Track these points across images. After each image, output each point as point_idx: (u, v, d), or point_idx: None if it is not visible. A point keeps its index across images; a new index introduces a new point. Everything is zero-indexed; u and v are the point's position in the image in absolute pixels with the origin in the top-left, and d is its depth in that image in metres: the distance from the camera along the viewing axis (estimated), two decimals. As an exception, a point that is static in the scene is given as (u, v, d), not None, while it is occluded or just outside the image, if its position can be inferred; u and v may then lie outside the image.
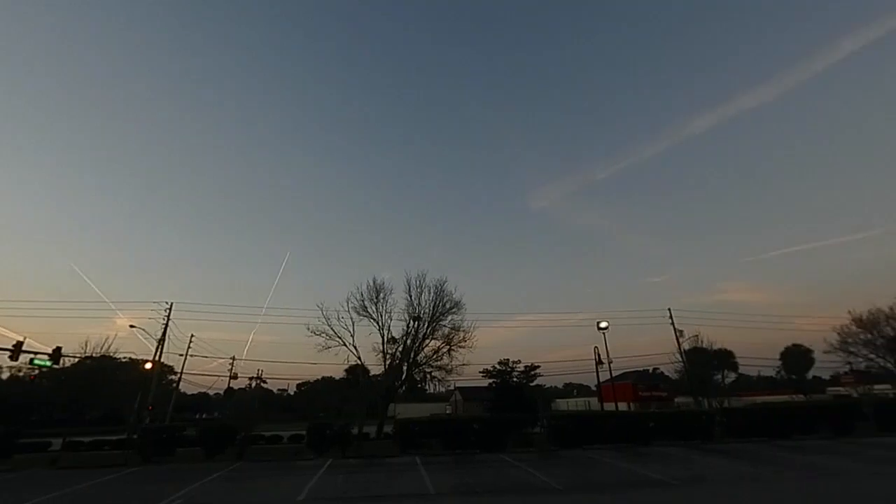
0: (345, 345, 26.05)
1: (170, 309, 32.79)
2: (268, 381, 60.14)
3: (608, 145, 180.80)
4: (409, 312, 26.75)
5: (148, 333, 32.42)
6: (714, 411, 20.48)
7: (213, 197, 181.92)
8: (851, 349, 37.11)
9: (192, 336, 38.06)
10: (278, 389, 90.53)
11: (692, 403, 39.68)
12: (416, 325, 26.50)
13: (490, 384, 39.80)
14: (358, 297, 26.91)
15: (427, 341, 26.83)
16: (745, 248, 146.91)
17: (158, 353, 31.76)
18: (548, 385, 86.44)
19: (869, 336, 35.77)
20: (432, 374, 27.81)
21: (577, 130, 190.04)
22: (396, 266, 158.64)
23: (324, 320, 26.35)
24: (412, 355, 26.63)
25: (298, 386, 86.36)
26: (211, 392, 71.47)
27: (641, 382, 53.97)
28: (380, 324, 26.58)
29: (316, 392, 78.32)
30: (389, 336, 26.83)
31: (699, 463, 13.20)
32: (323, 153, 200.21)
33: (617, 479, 10.87)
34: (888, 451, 14.28)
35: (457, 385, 53.77)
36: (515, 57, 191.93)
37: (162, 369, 37.82)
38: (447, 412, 55.02)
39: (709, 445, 17.25)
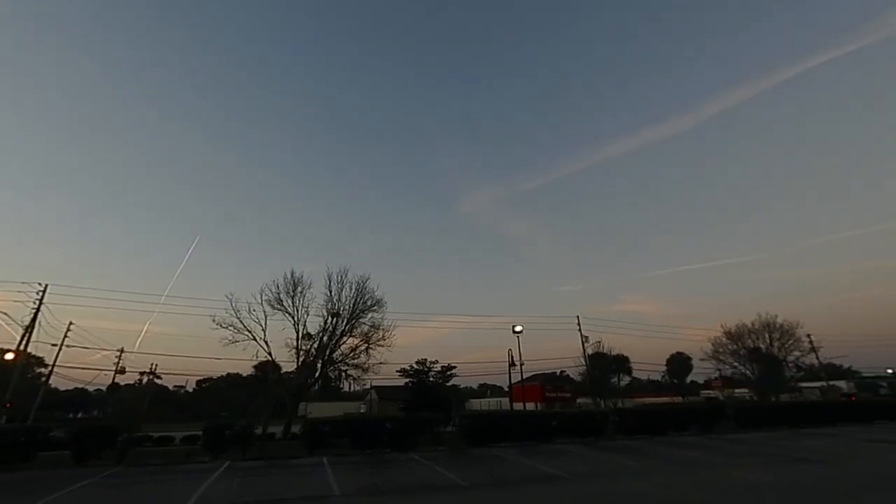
0: (255, 339, 24.49)
1: (43, 291, 28.31)
2: (163, 376, 54.42)
3: (534, 158, 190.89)
4: (327, 308, 25.89)
5: (12, 319, 27.67)
6: (608, 411, 22.44)
7: (104, 170, 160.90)
8: (721, 357, 42.90)
9: (70, 324, 33.18)
10: (174, 386, 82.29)
11: (591, 404, 43.17)
12: (334, 322, 25.72)
13: (406, 384, 39.84)
14: (273, 290, 25.47)
15: (345, 339, 26.19)
16: (646, 264, 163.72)
17: (25, 342, 27.25)
18: (463, 385, 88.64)
19: (735, 347, 41.59)
20: (348, 372, 27.17)
21: (507, 141, 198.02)
22: (317, 261, 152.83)
23: (233, 312, 24.53)
24: (328, 352, 25.79)
25: (199, 383, 79.20)
26: (91, 388, 62.76)
27: (549, 384, 57.49)
28: (295, 319, 25.39)
29: (219, 390, 72.40)
30: (305, 332, 25.74)
31: (591, 458, 14.35)
32: (243, 140, 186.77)
33: (518, 475, 11.43)
34: (743, 446, 16.71)
35: (373, 384, 53.01)
36: (454, 65, 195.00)
37: (28, 360, 32.53)
38: (361, 411, 54.02)
39: (602, 442, 18.83)
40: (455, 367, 41.50)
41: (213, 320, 24.43)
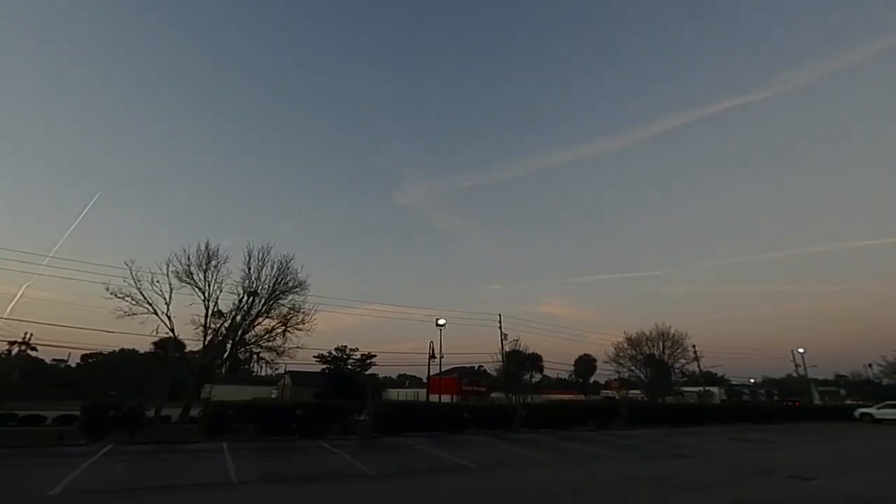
0: (156, 313, 22.33)
1: None
2: (39, 348, 47.71)
3: (476, 158, 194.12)
4: (244, 286, 24.31)
5: None
6: (517, 405, 23.69)
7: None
8: (621, 361, 47.19)
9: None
10: (53, 360, 72.48)
11: (504, 398, 45.26)
12: (250, 301, 24.24)
13: (323, 370, 38.79)
14: (183, 261, 23.35)
15: (261, 319, 24.80)
16: (565, 271, 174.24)
17: None
18: (383, 375, 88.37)
19: (634, 352, 45.91)
20: (261, 354, 25.80)
21: (450, 139, 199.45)
22: (237, 235, 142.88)
23: (132, 282, 22.14)
24: (240, 333, 24.27)
25: (84, 357, 70.52)
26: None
27: (466, 378, 59.27)
28: (206, 294, 23.54)
29: (110, 366, 65.10)
30: (216, 309, 23.98)
31: (498, 450, 15.07)
32: (164, 94, 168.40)
33: (426, 465, 11.68)
34: (631, 441, 18.55)
35: (288, 369, 50.94)
36: (406, 60, 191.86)
37: None
38: (272, 396, 51.74)
39: (509, 435, 19.83)
40: (375, 356, 41.29)
41: (107, 289, 21.86)
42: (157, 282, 22.48)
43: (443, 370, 42.88)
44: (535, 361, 55.75)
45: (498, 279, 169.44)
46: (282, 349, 25.66)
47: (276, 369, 31.03)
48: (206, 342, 23.67)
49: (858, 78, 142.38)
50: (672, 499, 8.42)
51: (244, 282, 24.36)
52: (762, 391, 77.28)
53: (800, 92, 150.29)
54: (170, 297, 22.55)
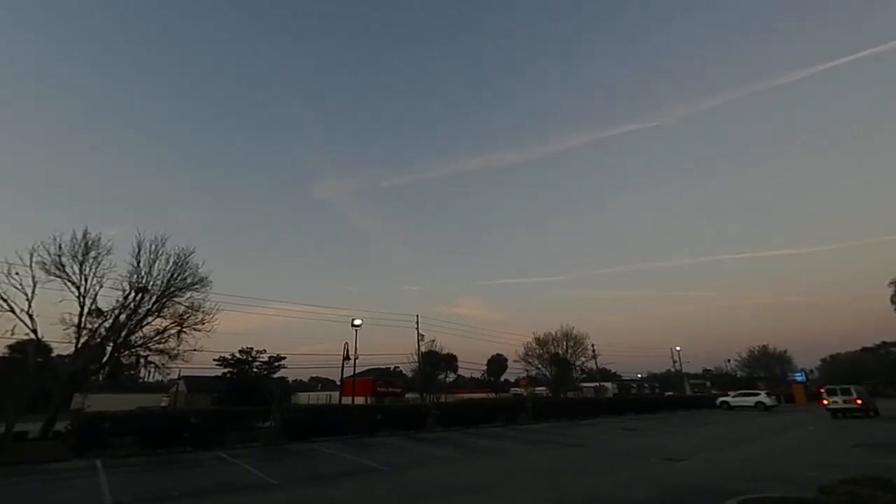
0: (12, 311, 18.89)
1: None
2: None
3: (396, 159, 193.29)
4: (131, 281, 21.52)
5: None
6: (430, 405, 24.02)
7: None
8: (530, 360, 50.00)
9: None
10: None
11: (419, 398, 45.54)
12: (138, 298, 21.53)
13: (225, 374, 35.72)
14: (53, 251, 20.04)
15: (151, 319, 22.12)
16: (480, 273, 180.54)
17: None
18: (294, 378, 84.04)
19: (541, 351, 48.93)
20: (149, 358, 23.03)
21: (372, 136, 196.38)
22: (126, 223, 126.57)
23: (-21, 273, 18.48)
24: (124, 334, 21.47)
25: None
26: None
27: (382, 379, 58.63)
28: (82, 290, 20.43)
29: (-59, 374, 53.54)
30: (94, 307, 20.93)
31: (410, 450, 15.14)
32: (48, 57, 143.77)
33: (336, 469, 11.35)
34: (533, 435, 19.77)
35: (183, 374, 46.15)
36: (331, 53, 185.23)
37: None
38: (162, 405, 46.52)
39: (421, 434, 20.02)
40: (285, 358, 38.91)
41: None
42: (17, 274, 19.03)
43: (358, 372, 41.98)
44: (450, 361, 57.00)
45: (415, 280, 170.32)
46: (175, 352, 23.10)
47: (168, 374, 27.82)
48: (80, 344, 20.52)
49: (734, 112, 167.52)
50: (566, 484, 9.15)
51: (132, 276, 21.52)
52: (647, 385, 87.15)
53: (684, 121, 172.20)
54: (32, 293, 19.21)
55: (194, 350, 23.36)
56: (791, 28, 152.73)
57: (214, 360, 35.45)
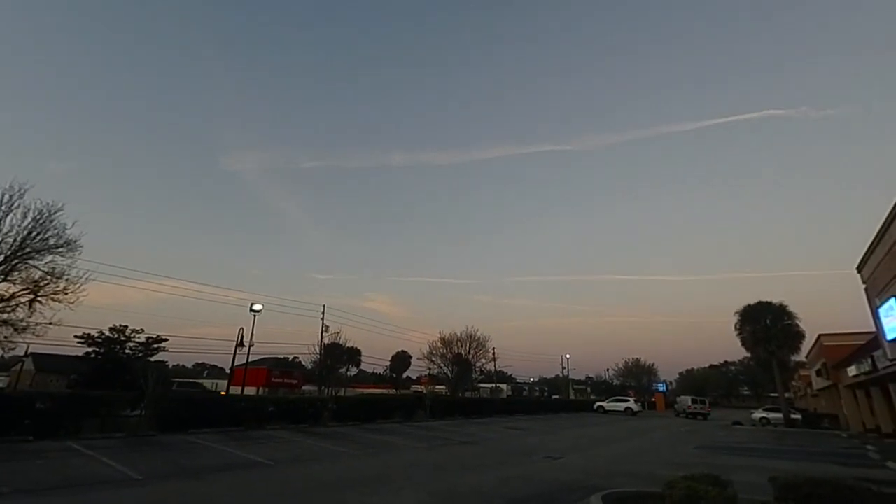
0: None
1: None
2: None
3: (319, 140, 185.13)
4: (-30, 235, 17.76)
5: None
6: (327, 399, 23.30)
7: None
8: (433, 359, 50.84)
9: None
10: None
11: (317, 391, 43.87)
12: (-22, 256, 17.83)
13: (88, 354, 30.97)
14: None
15: (-6, 283, 18.44)
16: (392, 269, 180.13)
17: None
18: (177, 363, 75.86)
19: (444, 351, 50.04)
20: (-14, 329, 19.18)
21: (296, 110, 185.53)
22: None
23: None
24: (-47, 297, 17.64)
25: None
26: None
27: (278, 369, 55.47)
28: None
29: None
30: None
31: (300, 445, 14.52)
32: None
33: (214, 464, 10.47)
34: (428, 432, 20.13)
35: (32, 350, 39.12)
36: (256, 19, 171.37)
37: None
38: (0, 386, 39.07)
39: (315, 429, 19.31)
40: (166, 340, 34.69)
41: None
42: None
43: (252, 360, 39.15)
44: (353, 355, 55.76)
45: (327, 269, 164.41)
46: (24, 324, 19.49)
47: (13, 350, 23.28)
48: None
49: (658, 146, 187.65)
50: (453, 479, 9.46)
51: (-28, 229, 17.74)
52: (537, 388, 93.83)
53: (597, 149, 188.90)
54: None
55: (50, 324, 19.96)
56: (684, 89, 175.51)
57: (76, 337, 30.50)
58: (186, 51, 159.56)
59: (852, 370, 26.14)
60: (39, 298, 19.29)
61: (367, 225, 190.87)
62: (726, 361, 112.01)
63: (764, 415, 37.74)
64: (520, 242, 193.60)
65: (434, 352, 50.23)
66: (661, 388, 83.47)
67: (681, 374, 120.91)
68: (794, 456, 16.06)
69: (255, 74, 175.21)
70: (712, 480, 5.58)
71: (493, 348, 54.95)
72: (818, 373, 38.64)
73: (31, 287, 19.19)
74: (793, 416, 35.96)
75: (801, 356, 42.87)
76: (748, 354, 42.00)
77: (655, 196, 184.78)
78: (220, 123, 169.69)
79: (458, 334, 49.91)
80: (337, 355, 48.26)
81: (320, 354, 43.55)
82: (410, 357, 73.28)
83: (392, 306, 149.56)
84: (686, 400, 49.11)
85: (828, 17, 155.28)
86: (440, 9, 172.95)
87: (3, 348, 21.46)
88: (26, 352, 39.59)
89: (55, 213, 19.35)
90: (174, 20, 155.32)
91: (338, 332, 46.11)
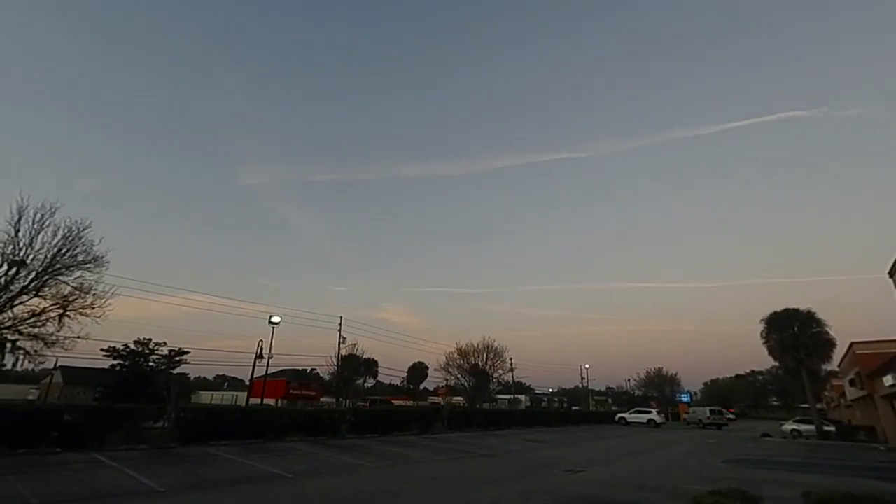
0: None
1: None
2: None
3: (334, 154, 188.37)
4: (4, 252, 18.53)
5: None
6: (345, 410, 23.33)
7: None
8: (450, 370, 50.53)
9: None
10: None
11: (334, 403, 43.99)
12: (13, 273, 18.57)
13: (114, 367, 31.78)
14: None
15: (26, 298, 19.15)
16: (408, 279, 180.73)
17: None
18: (198, 375, 77.14)
19: (461, 362, 49.72)
20: (18, 343, 19.88)
21: (311, 126, 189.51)
22: (7, 184, 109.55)
23: None
24: (-12, 313, 18.35)
25: None
26: None
27: (296, 380, 55.89)
28: (-64, 256, 17.18)
29: None
30: (-50, 278, 17.69)
31: (319, 457, 14.54)
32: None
33: (234, 476, 10.55)
34: (446, 444, 19.95)
35: (61, 363, 40.30)
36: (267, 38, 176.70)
37: None
38: (30, 398, 40.36)
39: (333, 441, 19.33)
40: (188, 353, 35.39)
41: None
42: None
43: (271, 372, 39.56)
44: (370, 366, 55.82)
45: (342, 281, 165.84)
46: (54, 338, 20.14)
47: (42, 363, 24.08)
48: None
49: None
50: (471, 493, 9.33)
51: (6, 247, 18.50)
52: (556, 399, 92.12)
53: (611, 155, 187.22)
54: None
55: (78, 338, 20.59)
56: (702, 90, 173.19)
57: (103, 350, 31.36)
58: (204, 70, 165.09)
59: (888, 380, 24.97)
60: (68, 313, 19.94)
61: (381, 236, 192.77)
62: (753, 371, 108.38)
63: (795, 426, 36.24)
64: (535, 251, 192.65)
65: (451, 363, 49.95)
66: (686, 398, 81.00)
67: (705, 384, 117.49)
68: (827, 470, 15.35)
69: (269, 90, 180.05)
70: (740, 496, 5.38)
71: (511, 359, 54.36)
72: (851, 382, 36.97)
73: (60, 302, 19.86)
74: (825, 427, 34.45)
75: (833, 365, 41.15)
76: (776, 363, 40.62)
77: (674, 202, 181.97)
78: (236, 139, 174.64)
79: (475, 345, 49.58)
80: (354, 366, 48.37)
81: (338, 366, 43.72)
82: (427, 368, 73.00)
83: (407, 317, 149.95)
84: (704, 411, 49.33)
85: (849, 13, 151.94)
86: (449, 27, 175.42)
87: (33, 362, 22.20)
88: (55, 365, 40.77)
89: (83, 230, 20.11)
90: (193, 41, 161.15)
91: (355, 344, 46.30)
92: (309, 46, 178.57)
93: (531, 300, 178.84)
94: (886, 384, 25.59)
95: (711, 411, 47.99)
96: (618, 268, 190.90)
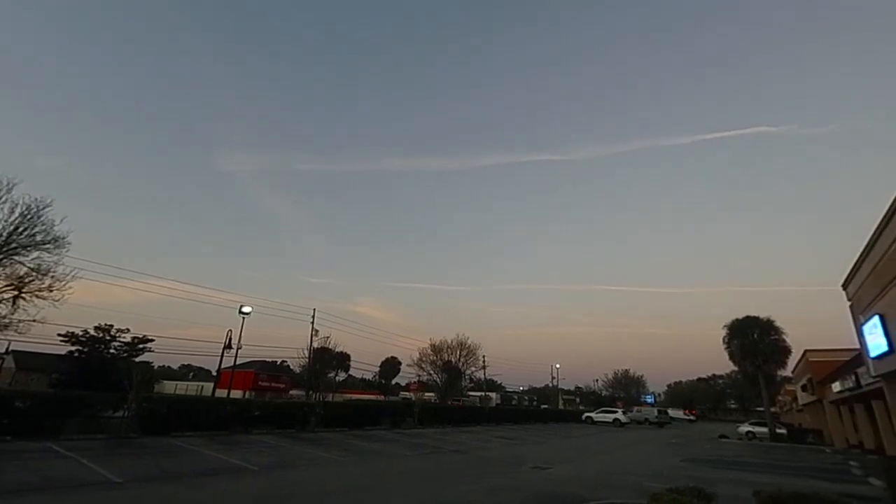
0: None
1: None
2: None
3: (316, 143, 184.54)
4: (-45, 228, 17.47)
5: None
6: (315, 404, 23.06)
7: None
8: (423, 366, 50.67)
9: None
10: None
11: (304, 396, 43.38)
12: (-37, 250, 17.54)
13: (73, 353, 30.40)
14: None
15: (-23, 278, 18.13)
16: (385, 274, 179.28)
17: None
18: (161, 364, 74.64)
19: (435, 358, 49.91)
20: (-33, 325, 18.82)
21: (293, 112, 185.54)
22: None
23: None
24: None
25: None
26: None
27: (266, 372, 54.83)
28: None
29: None
30: None
31: (286, 450, 14.33)
32: None
33: (197, 468, 10.29)
34: (415, 439, 20.01)
35: (13, 348, 38.33)
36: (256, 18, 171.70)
37: None
38: (-24, 384, 38.14)
39: (302, 434, 19.09)
40: (152, 341, 34.14)
41: None
42: None
43: (239, 363, 38.67)
44: (342, 360, 55.29)
45: (319, 273, 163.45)
46: (7, 321, 19.17)
47: (-8, 347, 22.87)
48: None
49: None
50: (441, 489, 9.39)
51: (-43, 223, 17.45)
52: (527, 397, 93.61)
53: (591, 161, 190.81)
54: None
55: (33, 321, 19.66)
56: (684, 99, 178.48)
57: (60, 335, 29.91)
58: (182, 49, 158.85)
59: (837, 386, 26.45)
60: (23, 295, 19.00)
61: (360, 229, 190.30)
62: (714, 375, 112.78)
63: (750, 429, 38.00)
64: (514, 250, 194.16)
65: (424, 358, 50.10)
66: (650, 399, 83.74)
67: (669, 386, 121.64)
68: (778, 470, 16.18)
69: (251, 73, 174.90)
70: (697, 493, 5.62)
71: (484, 356, 54.87)
72: (804, 388, 39.06)
73: (15, 283, 18.91)
74: (778, 430, 36.26)
75: (788, 371, 43.35)
76: (736, 368, 42.42)
77: (649, 207, 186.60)
78: (214, 123, 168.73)
79: (449, 341, 49.83)
80: (326, 360, 47.86)
81: (309, 359, 43.16)
82: (400, 363, 73.01)
83: (383, 312, 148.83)
84: (652, 411, 56.00)
85: (821, 36, 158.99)
86: (437, 14, 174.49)
87: (-17, 345, 21.01)
88: (7, 349, 38.78)
89: (43, 209, 19.17)
90: (171, 18, 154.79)
91: (327, 337, 45.78)
92: (292, 33, 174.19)
93: (506, 299, 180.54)
94: (835, 390, 27.11)
95: (660, 411, 55.62)
96: (592, 270, 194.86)
